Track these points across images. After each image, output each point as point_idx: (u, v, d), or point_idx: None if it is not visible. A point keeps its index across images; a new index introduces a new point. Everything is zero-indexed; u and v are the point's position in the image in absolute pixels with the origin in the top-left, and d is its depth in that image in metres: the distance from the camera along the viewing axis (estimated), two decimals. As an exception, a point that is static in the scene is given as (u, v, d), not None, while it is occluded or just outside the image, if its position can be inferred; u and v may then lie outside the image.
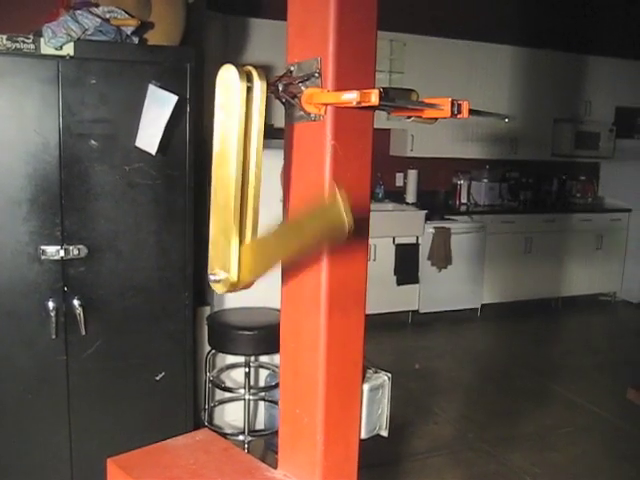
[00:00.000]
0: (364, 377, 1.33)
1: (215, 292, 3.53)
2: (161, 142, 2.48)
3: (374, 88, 1.03)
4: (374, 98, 1.01)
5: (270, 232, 1.04)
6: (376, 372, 1.36)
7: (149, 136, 2.47)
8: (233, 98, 0.99)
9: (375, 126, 1.27)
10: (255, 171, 1.05)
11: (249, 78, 1.01)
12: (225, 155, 1.02)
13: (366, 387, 1.32)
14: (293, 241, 1.03)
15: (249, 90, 1.01)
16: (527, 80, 6.59)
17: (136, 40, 2.58)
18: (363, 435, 1.33)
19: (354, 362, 1.29)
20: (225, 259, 1.01)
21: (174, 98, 2.43)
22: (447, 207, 6.66)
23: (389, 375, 1.37)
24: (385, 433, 1.37)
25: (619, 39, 7.01)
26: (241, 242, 1.02)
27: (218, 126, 1.03)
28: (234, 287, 1.02)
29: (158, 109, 2.44)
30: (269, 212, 3.63)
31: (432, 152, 6.30)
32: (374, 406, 1.33)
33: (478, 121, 6.28)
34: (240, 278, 1.01)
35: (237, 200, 1.02)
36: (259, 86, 1.02)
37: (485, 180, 6.81)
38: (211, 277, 1.03)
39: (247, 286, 1.04)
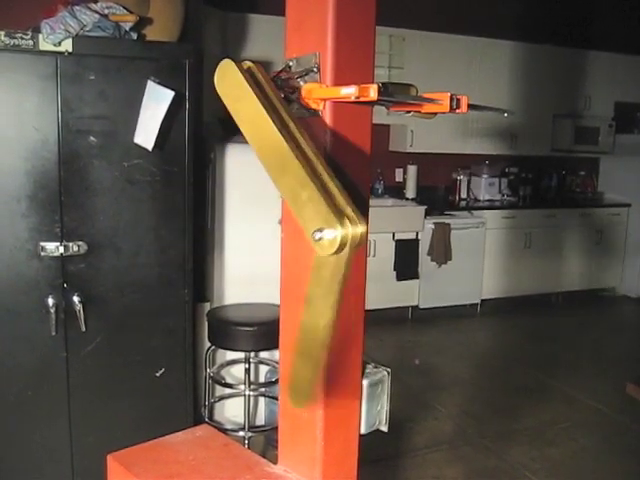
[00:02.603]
0: (364, 372, 1.33)
1: (218, 288, 3.55)
2: (159, 138, 2.48)
3: (373, 83, 1.03)
4: (373, 93, 1.00)
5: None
6: (376, 367, 1.36)
7: (146, 132, 2.47)
8: (241, 91, 0.98)
9: (375, 121, 1.27)
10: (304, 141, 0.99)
11: (249, 73, 1.01)
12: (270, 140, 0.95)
13: (366, 382, 1.32)
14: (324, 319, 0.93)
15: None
16: (527, 75, 6.58)
17: (135, 36, 2.58)
18: (363, 430, 1.33)
19: (354, 357, 1.29)
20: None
21: (170, 94, 2.43)
22: (447, 202, 6.66)
23: (389, 370, 1.37)
24: (385, 428, 1.37)
25: (618, 34, 7.01)
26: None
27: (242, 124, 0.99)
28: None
29: (155, 105, 2.44)
30: (269, 211, 3.62)
31: (432, 147, 6.30)
32: (374, 401, 1.33)
33: (478, 116, 6.28)
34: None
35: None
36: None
37: (485, 175, 6.80)
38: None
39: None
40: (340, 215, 0.86)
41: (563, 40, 6.74)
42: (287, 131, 0.96)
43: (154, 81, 2.47)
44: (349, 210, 0.88)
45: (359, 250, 0.88)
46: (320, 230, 0.85)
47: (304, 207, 0.89)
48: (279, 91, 1.16)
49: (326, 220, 0.85)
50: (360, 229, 0.86)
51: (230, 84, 1.00)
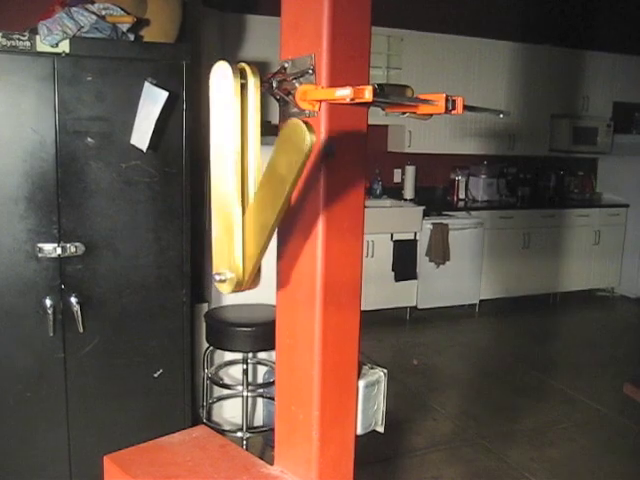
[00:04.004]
0: (360, 373, 1.33)
1: (216, 290, 3.55)
2: (155, 138, 2.48)
3: (368, 84, 1.03)
4: (368, 94, 1.01)
5: (254, 200, 1.01)
6: (372, 368, 1.37)
7: (141, 133, 2.47)
8: (227, 95, 0.99)
9: (372, 122, 1.27)
10: (255, 165, 1.04)
11: (242, 75, 1.01)
12: (223, 152, 1.02)
13: (362, 383, 1.32)
14: (278, 194, 0.96)
15: (243, 87, 1.01)
16: (525, 75, 6.58)
17: (132, 37, 2.58)
18: (359, 431, 1.34)
19: (349, 358, 1.30)
20: (230, 258, 1.00)
21: (164, 94, 2.43)
22: (445, 203, 6.66)
23: (385, 371, 1.37)
24: (381, 429, 1.37)
25: (617, 34, 7.02)
26: (245, 240, 1.00)
27: (214, 124, 1.02)
28: (240, 286, 1.01)
29: (150, 106, 2.44)
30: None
31: (430, 148, 6.30)
32: (370, 402, 1.34)
33: (476, 117, 6.28)
34: (246, 276, 1.01)
35: (238, 196, 1.00)
36: (253, 83, 1.02)
37: (483, 176, 6.80)
38: (216, 277, 1.01)
39: (253, 285, 1.04)
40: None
41: (561, 40, 6.75)
42: (242, 166, 1.02)
43: (151, 82, 2.47)
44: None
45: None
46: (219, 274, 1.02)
47: (219, 245, 1.03)
48: (275, 92, 1.16)
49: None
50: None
51: (221, 96, 1.01)
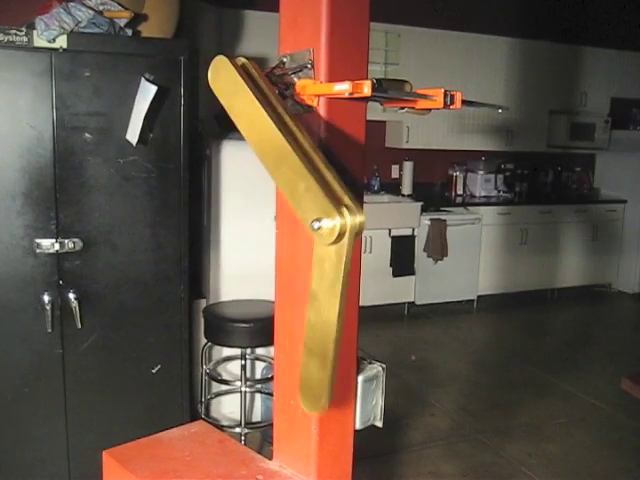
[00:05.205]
0: (358, 368, 1.34)
1: (214, 285, 3.55)
2: (145, 133, 2.47)
3: (367, 79, 1.03)
4: (366, 89, 1.00)
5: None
6: (371, 363, 1.37)
7: (132, 128, 2.47)
8: (235, 87, 0.98)
9: (370, 118, 1.27)
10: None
11: (243, 69, 1.01)
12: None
13: (360, 378, 1.32)
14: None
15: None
16: (523, 71, 6.58)
17: (129, 32, 2.57)
18: (357, 426, 1.34)
19: (348, 353, 1.30)
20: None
21: (153, 88, 2.42)
22: (443, 199, 6.66)
23: (384, 366, 1.37)
24: (380, 424, 1.38)
25: (615, 30, 7.02)
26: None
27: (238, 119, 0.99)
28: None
29: (143, 101, 2.44)
30: (265, 208, 3.61)
31: (428, 144, 6.30)
32: (368, 397, 1.34)
33: (474, 113, 6.28)
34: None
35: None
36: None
37: (481, 172, 6.81)
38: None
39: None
40: (338, 204, 0.86)
41: (559, 36, 6.74)
42: (283, 125, 0.95)
43: (147, 78, 2.47)
44: (347, 199, 0.88)
45: (357, 240, 0.88)
46: (319, 220, 0.85)
47: (302, 198, 0.89)
48: (273, 87, 1.16)
49: (324, 210, 0.85)
50: (359, 218, 0.86)
51: (224, 80, 1.00)
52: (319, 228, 0.85)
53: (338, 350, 0.91)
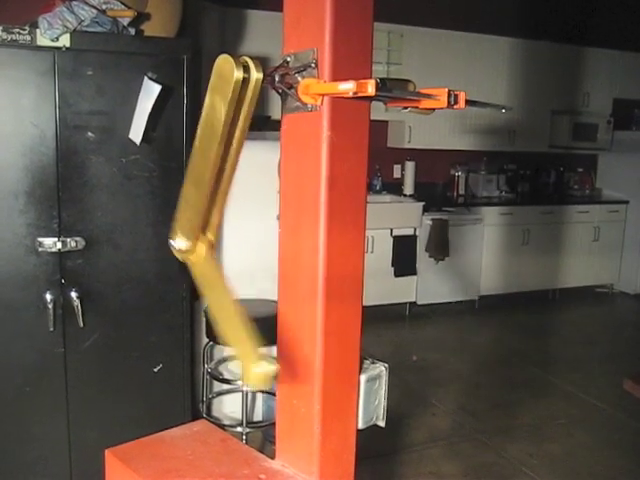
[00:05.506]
0: (361, 368, 1.34)
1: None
2: (149, 133, 2.47)
3: (371, 78, 1.03)
4: (371, 88, 1.00)
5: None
6: (373, 363, 1.37)
7: (136, 127, 2.47)
8: (227, 86, 0.99)
9: (373, 117, 1.27)
10: (233, 155, 1.07)
11: (245, 69, 1.01)
12: (208, 138, 1.07)
13: (363, 377, 1.32)
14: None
15: (244, 81, 1.01)
16: (525, 71, 6.58)
17: (132, 31, 2.57)
18: (360, 425, 1.34)
19: (351, 353, 1.30)
20: (190, 230, 1.07)
21: (157, 87, 2.42)
22: (445, 199, 6.66)
23: (386, 366, 1.37)
24: (382, 423, 1.38)
25: (617, 31, 7.00)
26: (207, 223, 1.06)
27: (207, 108, 1.05)
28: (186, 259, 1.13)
29: (146, 100, 2.44)
30: (267, 207, 3.61)
31: (430, 144, 6.30)
32: (371, 396, 1.34)
33: (476, 113, 6.28)
34: (199, 253, 1.07)
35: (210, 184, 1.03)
36: (255, 77, 1.02)
37: (483, 172, 6.81)
38: (171, 242, 1.08)
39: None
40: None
41: (562, 36, 6.73)
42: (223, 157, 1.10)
43: (150, 77, 2.47)
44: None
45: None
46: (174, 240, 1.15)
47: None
48: (277, 86, 1.16)
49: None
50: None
51: (220, 86, 1.01)
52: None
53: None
